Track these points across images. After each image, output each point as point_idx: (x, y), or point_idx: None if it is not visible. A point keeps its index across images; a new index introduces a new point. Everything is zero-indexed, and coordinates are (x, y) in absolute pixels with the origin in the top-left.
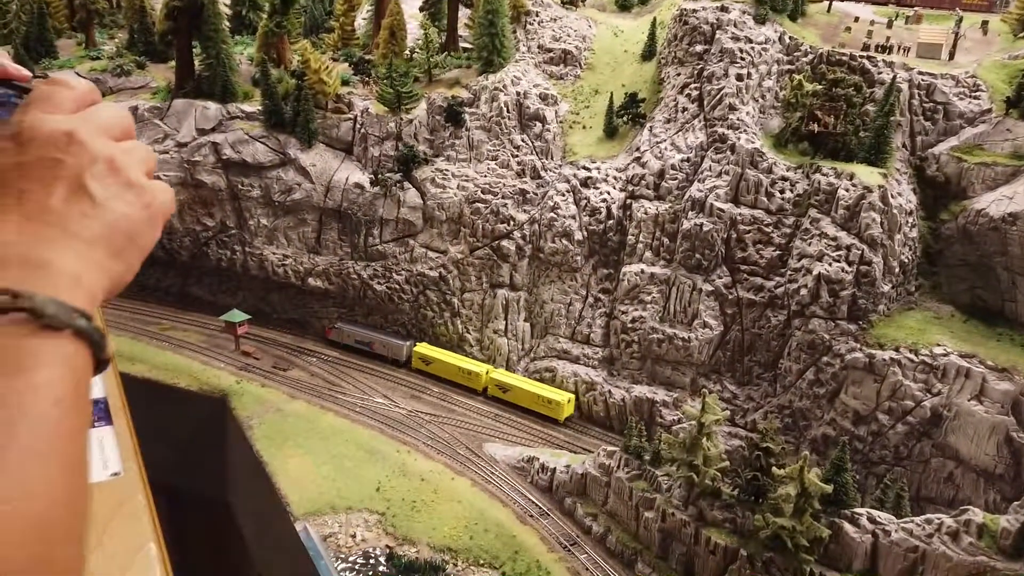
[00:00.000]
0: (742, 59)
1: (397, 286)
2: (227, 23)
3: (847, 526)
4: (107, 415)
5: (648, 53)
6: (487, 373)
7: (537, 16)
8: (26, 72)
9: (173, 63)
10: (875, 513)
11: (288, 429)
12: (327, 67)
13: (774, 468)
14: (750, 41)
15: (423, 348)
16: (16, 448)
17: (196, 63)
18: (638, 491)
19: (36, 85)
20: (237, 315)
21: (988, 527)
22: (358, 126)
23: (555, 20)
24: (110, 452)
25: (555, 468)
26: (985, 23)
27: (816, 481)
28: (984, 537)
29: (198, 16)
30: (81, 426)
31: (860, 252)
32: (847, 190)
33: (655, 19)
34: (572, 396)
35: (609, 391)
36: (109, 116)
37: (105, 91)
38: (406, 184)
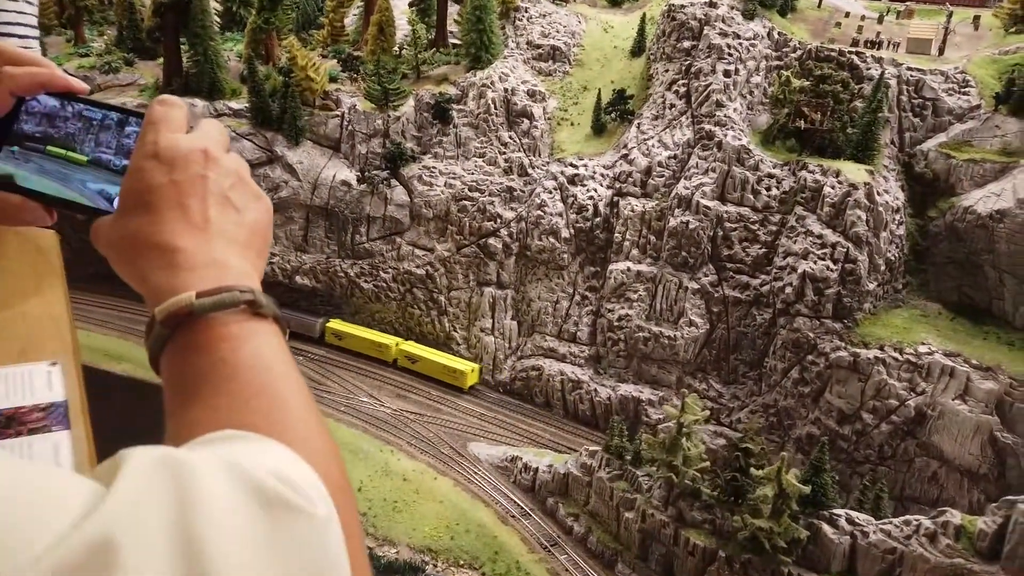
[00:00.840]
0: (730, 55)
1: (384, 284)
2: (217, 20)
3: (825, 527)
4: (65, 420)
5: (637, 49)
6: (396, 345)
7: (526, 12)
8: (84, 85)
9: (161, 60)
10: (854, 514)
11: None
12: (315, 64)
13: (753, 468)
14: (738, 37)
15: (335, 324)
16: (296, 394)
17: (184, 60)
18: (619, 491)
19: (150, 105)
20: None
21: (966, 529)
22: (345, 123)
23: (544, 16)
24: (64, 459)
25: (538, 468)
26: (977, 18)
27: (793, 482)
28: (962, 539)
29: (185, 13)
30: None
31: (845, 250)
32: (832, 187)
33: (644, 15)
34: (477, 367)
35: (595, 390)
36: (220, 133)
37: (94, 88)
38: (393, 182)
